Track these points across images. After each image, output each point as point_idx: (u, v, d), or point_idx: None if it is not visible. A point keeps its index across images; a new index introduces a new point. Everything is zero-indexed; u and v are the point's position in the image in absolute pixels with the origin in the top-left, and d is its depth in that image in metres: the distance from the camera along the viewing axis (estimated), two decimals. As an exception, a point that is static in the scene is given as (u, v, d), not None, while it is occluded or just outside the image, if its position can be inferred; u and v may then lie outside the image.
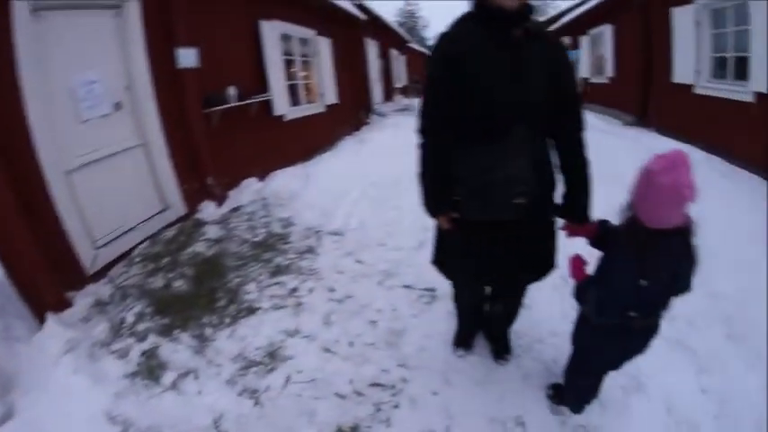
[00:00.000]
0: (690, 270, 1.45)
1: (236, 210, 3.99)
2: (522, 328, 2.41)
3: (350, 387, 2.06)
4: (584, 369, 1.82)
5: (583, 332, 1.75)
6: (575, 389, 1.92)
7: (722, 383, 2.09)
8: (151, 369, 2.06)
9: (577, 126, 1.64)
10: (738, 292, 2.75)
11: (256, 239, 3.46)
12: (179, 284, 2.70)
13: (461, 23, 1.56)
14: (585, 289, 1.62)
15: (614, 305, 1.51)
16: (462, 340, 2.32)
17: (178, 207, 3.60)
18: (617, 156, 5.74)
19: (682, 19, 6.79)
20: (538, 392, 2.05)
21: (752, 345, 2.33)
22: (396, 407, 1.96)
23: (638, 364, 2.02)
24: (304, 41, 6.96)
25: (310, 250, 3.37)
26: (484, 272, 1.81)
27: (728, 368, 2.19)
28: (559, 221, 1.79)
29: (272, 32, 5.53)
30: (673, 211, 1.33)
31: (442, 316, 2.54)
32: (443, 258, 1.93)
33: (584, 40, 12.28)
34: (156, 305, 2.46)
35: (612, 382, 1.98)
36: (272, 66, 5.44)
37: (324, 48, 7.53)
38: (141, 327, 2.30)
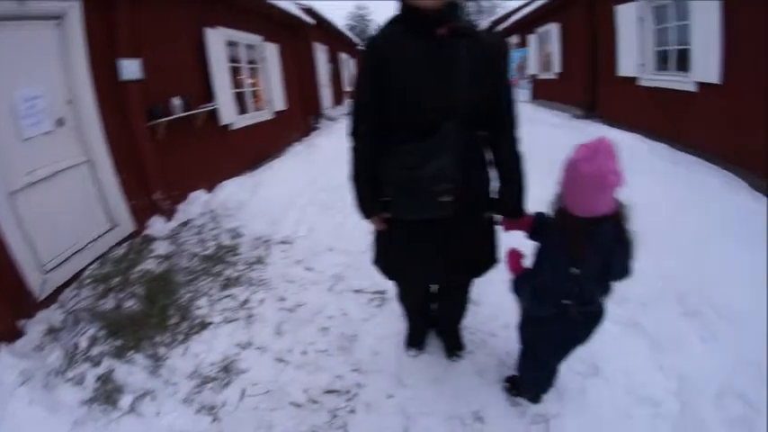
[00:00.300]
0: (625, 255, 1.45)
1: (185, 224, 3.98)
2: (474, 323, 2.46)
3: (305, 396, 2.08)
4: (533, 361, 1.85)
5: (526, 325, 1.79)
6: (529, 380, 1.94)
7: (679, 360, 2.17)
8: (108, 394, 2.05)
9: (510, 122, 1.66)
10: (690, 271, 2.86)
11: (206, 253, 3.46)
12: (130, 304, 2.69)
13: (389, 27, 1.58)
14: (521, 282, 1.66)
15: (548, 295, 1.55)
16: (414, 340, 2.34)
17: (127, 224, 3.56)
18: (565, 147, 6.14)
19: (625, 15, 7.21)
20: (494, 386, 2.09)
21: (706, 320, 2.43)
22: (352, 412, 1.99)
23: (593, 349, 2.09)
24: (251, 48, 6.90)
25: (260, 260, 3.40)
26: (422, 271, 1.83)
27: (684, 345, 2.27)
28: (498, 217, 1.82)
29: (217, 40, 5.47)
30: (598, 199, 1.35)
31: (393, 318, 2.56)
32: (382, 259, 1.94)
33: (532, 39, 12.80)
34: (108, 327, 2.44)
35: (569, 368, 2.02)
36: (217, 74, 5.38)
37: (271, 54, 7.48)
38: (95, 351, 2.28)
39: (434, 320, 2.38)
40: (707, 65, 5.08)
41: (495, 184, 1.75)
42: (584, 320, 1.59)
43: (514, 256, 1.71)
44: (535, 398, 1.96)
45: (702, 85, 5.28)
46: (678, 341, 2.31)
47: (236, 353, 2.37)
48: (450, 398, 2.05)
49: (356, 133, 1.67)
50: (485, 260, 1.88)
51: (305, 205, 4.54)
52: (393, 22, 1.57)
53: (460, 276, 1.94)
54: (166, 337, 2.48)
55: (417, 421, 1.94)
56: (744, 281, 2.72)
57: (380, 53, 1.54)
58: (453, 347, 2.29)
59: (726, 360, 2.16)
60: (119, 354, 2.29)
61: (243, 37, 6.48)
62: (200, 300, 2.84)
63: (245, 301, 2.85)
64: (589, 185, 1.32)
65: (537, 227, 1.66)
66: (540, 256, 1.62)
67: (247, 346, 2.43)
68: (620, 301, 2.55)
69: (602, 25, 8.21)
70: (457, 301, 2.18)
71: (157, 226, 3.77)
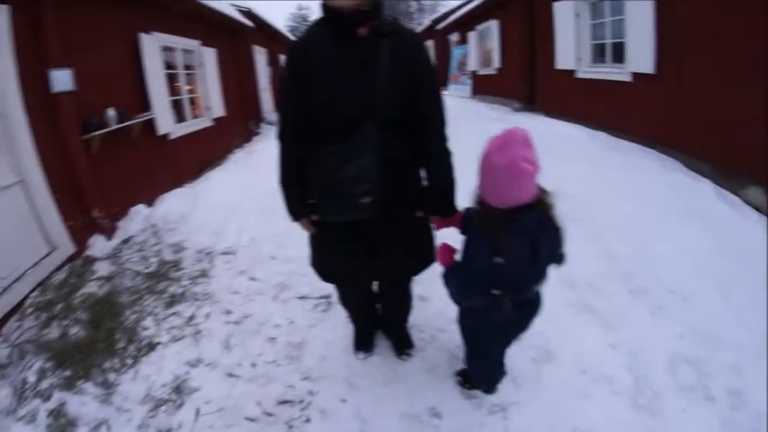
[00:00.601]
0: (554, 241, 1.48)
1: (126, 241, 3.91)
2: (422, 320, 2.50)
3: (259, 409, 2.08)
4: (476, 351, 1.89)
5: (462, 316, 1.84)
6: (478, 371, 1.98)
7: (629, 336, 2.30)
8: (62, 428, 2.02)
9: (436, 121, 1.67)
10: (634, 250, 3.05)
11: (149, 270, 3.42)
12: (75, 331, 2.64)
13: (312, 29, 1.60)
14: (450, 274, 1.68)
15: (476, 285, 1.57)
16: (361, 343, 2.36)
17: (66, 246, 3.45)
18: None
19: (563, 12, 7.61)
20: (447, 381, 2.13)
21: (653, 295, 2.60)
22: (307, 421, 2.00)
23: (545, 335, 2.22)
24: (188, 53, 6.75)
25: (203, 274, 3.38)
26: (353, 272, 1.86)
27: (633, 321, 2.41)
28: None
29: (152, 46, 5.33)
30: (514, 188, 1.36)
31: (340, 322, 2.59)
32: (317, 262, 1.96)
33: (473, 36, 13.23)
34: (55, 358, 2.38)
35: (521, 355, 2.12)
36: (153, 82, 5.24)
37: (209, 58, 7.34)
38: (45, 384, 2.23)
39: (380, 321, 2.40)
40: (642, 56, 5.46)
41: (424, 183, 1.78)
42: (519, 309, 1.62)
43: (445, 249, 1.73)
44: (489, 388, 2.00)
45: (637, 75, 5.68)
46: (627, 318, 2.47)
47: (187, 371, 2.36)
48: (405, 397, 2.08)
49: (282, 137, 1.70)
50: (419, 259, 1.90)
51: (246, 213, 4.52)
52: (317, 24, 1.60)
53: (394, 276, 1.96)
54: (115, 362, 2.45)
55: (374, 423, 1.96)
56: (685, 255, 2.95)
57: (302, 55, 1.57)
58: (402, 346, 2.32)
59: (674, 331, 2.34)
60: (69, 385, 2.25)
61: (179, 42, 6.34)
62: (146, 320, 2.82)
63: (192, 318, 2.84)
64: (503, 175, 1.34)
65: (466, 221, 1.69)
66: (466, 248, 1.65)
67: (197, 364, 2.42)
68: (569, 284, 2.72)
69: (541, 21, 8.63)
70: (399, 300, 2.20)
71: (98, 245, 3.69)
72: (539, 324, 1.79)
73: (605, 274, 2.88)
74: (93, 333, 2.65)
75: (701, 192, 4.02)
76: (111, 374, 2.36)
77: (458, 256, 1.72)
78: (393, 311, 2.28)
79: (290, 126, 1.67)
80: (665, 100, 5.19)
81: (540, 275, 1.55)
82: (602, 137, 6.32)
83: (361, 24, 1.47)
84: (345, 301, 2.23)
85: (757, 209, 3.67)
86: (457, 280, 1.65)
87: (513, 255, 1.46)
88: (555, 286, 2.54)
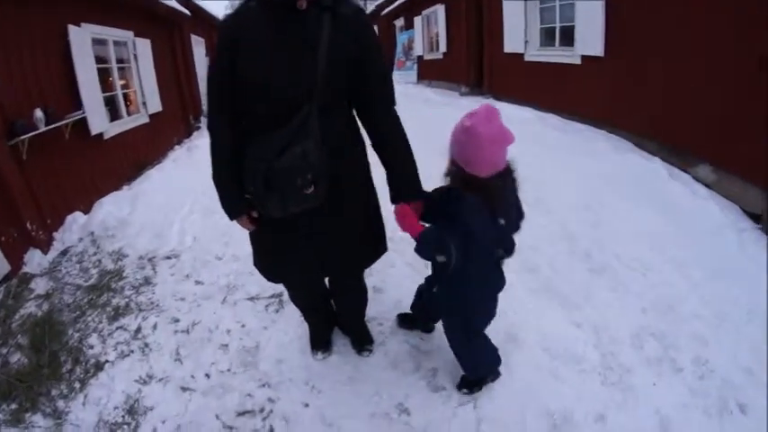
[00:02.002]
0: (519, 200, 1.65)
1: (64, 253, 3.76)
2: (380, 312, 2.49)
3: (218, 423, 2.02)
4: (476, 327, 1.86)
5: (462, 288, 1.72)
6: (488, 358, 1.95)
7: (593, 313, 2.39)
8: None
9: (385, 99, 1.59)
10: (591, 229, 3.20)
11: (90, 283, 3.30)
12: (17, 359, 2.52)
13: (245, 3, 1.47)
14: (437, 239, 1.58)
15: (484, 249, 1.60)
16: (318, 342, 2.28)
17: (0, 265, 3.29)
18: (453, 124, 6.62)
19: None
20: (413, 375, 2.12)
21: (613, 274, 2.72)
22: (270, 431, 1.96)
23: (510, 320, 2.28)
24: (120, 45, 6.47)
25: (147, 281, 3.28)
26: (299, 269, 1.76)
27: (595, 299, 2.51)
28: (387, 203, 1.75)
29: (82, 38, 5.07)
30: (501, 155, 1.48)
31: (294, 321, 2.53)
32: (259, 260, 1.86)
33: (418, 20, 13.49)
34: None
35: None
36: (84, 78, 4.99)
37: (143, 50, 7.05)
38: None
39: (336, 317, 2.33)
40: (591, 39, 5.72)
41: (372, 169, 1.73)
42: (499, 267, 1.74)
43: (405, 214, 1.65)
44: (495, 373, 2.02)
45: (587, 57, 5.96)
46: (589, 296, 2.58)
47: (138, 390, 2.28)
48: (370, 395, 2.06)
49: (212, 126, 1.57)
50: (372, 248, 1.84)
51: (188, 213, 4.42)
52: None
53: (347, 269, 1.86)
54: (62, 387, 2.34)
55: (341, 426, 1.94)
56: (641, 232, 3.13)
57: (233, 33, 1.43)
58: (362, 342, 2.27)
59: (636, 306, 2.47)
60: (16, 419, 2.15)
61: (111, 33, 6.06)
62: (91, 337, 2.72)
63: (138, 330, 2.75)
64: (492, 145, 1.43)
65: (429, 206, 1.70)
66: (453, 218, 1.56)
67: (148, 381, 2.34)
68: (530, 267, 2.81)
69: (488, 5, 8.81)
70: (354, 294, 2.13)
71: (34, 261, 3.54)
72: (502, 309, 1.84)
73: (565, 255, 3.00)
74: (35, 358, 2.52)
75: (652, 171, 4.27)
76: (59, 402, 2.25)
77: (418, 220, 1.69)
78: (348, 306, 2.21)
79: (219, 113, 1.54)
80: (614, 82, 5.47)
81: (517, 230, 1.68)
82: (551, 119, 6.56)
83: None
84: (297, 299, 2.15)
85: (707, 185, 3.96)
86: (455, 244, 1.53)
87: (509, 215, 1.59)
88: (517, 270, 2.66)
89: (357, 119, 1.65)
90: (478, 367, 1.98)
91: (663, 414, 1.91)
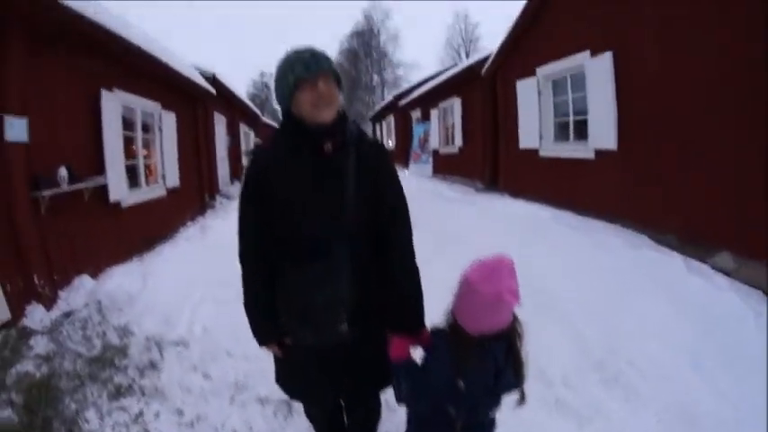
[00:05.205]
0: (514, 373, 1.53)
1: (68, 315, 3.83)
2: (391, 429, 2.48)
3: None
4: None
5: (410, 426, 1.75)
6: None
7: (604, 427, 2.40)
8: None
9: (404, 234, 1.70)
10: (606, 334, 3.22)
11: (92, 354, 3.35)
12: (7, 414, 2.53)
13: (274, 137, 1.64)
14: (403, 372, 1.62)
15: (427, 396, 1.56)
16: None
17: (1, 311, 3.36)
18: (468, 223, 6.69)
19: (525, 90, 8.32)
20: None
21: (626, 381, 2.75)
22: None
23: None
24: (148, 116, 6.90)
25: (153, 365, 3.31)
26: (325, 392, 1.84)
27: (607, 412, 2.53)
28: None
29: (113, 104, 5.47)
30: (495, 318, 1.41)
31: (303, 429, 2.53)
32: (284, 380, 1.94)
33: (435, 113, 14.23)
34: None
35: None
36: (111, 143, 5.33)
37: (168, 123, 7.52)
38: None
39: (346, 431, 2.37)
40: (604, 133, 6.06)
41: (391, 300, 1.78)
42: (474, 428, 1.61)
43: (400, 343, 1.69)
44: None
45: (600, 152, 6.27)
46: (600, 409, 2.58)
47: None
48: None
49: (244, 257, 1.69)
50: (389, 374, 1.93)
51: (199, 300, 4.47)
52: (278, 133, 1.65)
53: (368, 391, 1.96)
54: None
55: None
56: (657, 332, 3.17)
57: (263, 168, 1.58)
58: None
59: (651, 415, 2.48)
60: None
61: (140, 103, 6.51)
62: (89, 411, 2.72)
63: (140, 415, 2.75)
64: (486, 306, 1.38)
65: (433, 341, 1.67)
66: (428, 358, 1.63)
67: None
68: (541, 379, 2.81)
69: (504, 99, 9.44)
70: (369, 413, 2.19)
71: (36, 315, 3.61)
72: (511, 425, 1.84)
73: (577, 365, 3.01)
74: (27, 419, 2.54)
75: (669, 265, 4.38)
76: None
77: (412, 351, 1.71)
78: (362, 423, 2.24)
79: (251, 247, 1.66)
80: (629, 175, 5.76)
81: (497, 402, 1.59)
82: (566, 216, 6.77)
83: (326, 139, 1.53)
84: (312, 415, 2.22)
85: (728, 273, 4.07)
86: (409, 382, 1.60)
87: (475, 381, 1.50)
88: (528, 381, 2.67)
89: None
90: None
91: None
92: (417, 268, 1.75)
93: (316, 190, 1.53)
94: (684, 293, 3.79)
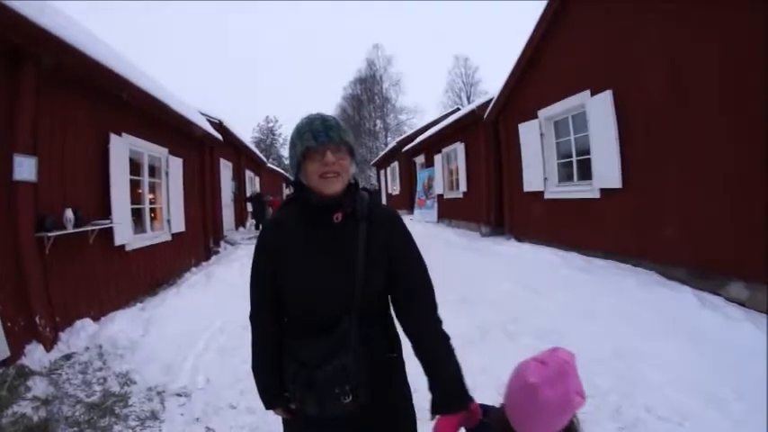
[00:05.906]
0: None
1: (68, 357, 3.79)
2: None
3: None
4: None
5: None
6: None
7: None
8: None
9: (425, 299, 1.63)
10: (621, 381, 3.16)
11: (92, 400, 3.31)
12: None
13: (286, 207, 1.64)
14: None
15: None
16: None
17: (0, 348, 3.32)
18: (479, 273, 6.61)
19: (528, 133, 8.45)
20: None
21: (645, 429, 2.70)
22: None
23: None
24: (155, 160, 7.02)
25: (154, 416, 3.26)
26: None
27: None
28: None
29: (121, 148, 5.58)
30: (558, 422, 1.29)
31: None
32: None
33: (438, 158, 14.39)
34: None
35: None
36: (117, 187, 5.41)
37: (175, 168, 7.64)
38: None
39: None
40: (608, 171, 6.11)
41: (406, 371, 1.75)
42: None
43: (447, 423, 1.55)
44: None
45: (605, 191, 6.32)
46: None
47: None
48: None
49: (254, 320, 1.70)
50: None
51: (203, 350, 4.43)
52: (290, 202, 1.65)
53: None
54: None
55: None
56: (673, 374, 3.10)
57: (275, 237, 1.59)
58: None
59: None
60: None
61: (148, 148, 6.63)
62: None
63: None
64: (552, 412, 1.27)
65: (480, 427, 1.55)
66: None
67: None
68: None
69: (506, 143, 9.59)
70: None
71: (36, 355, 3.57)
72: None
73: (593, 414, 2.92)
74: None
75: (681, 302, 4.36)
76: None
77: None
78: None
79: (261, 312, 1.68)
80: (635, 212, 5.79)
81: None
82: (574, 258, 6.77)
83: (336, 209, 1.52)
84: None
85: (741, 303, 4.05)
86: None
87: None
88: None
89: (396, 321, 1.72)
90: None
91: None
92: (448, 336, 1.63)
93: (325, 261, 1.52)
94: (699, 330, 3.78)
